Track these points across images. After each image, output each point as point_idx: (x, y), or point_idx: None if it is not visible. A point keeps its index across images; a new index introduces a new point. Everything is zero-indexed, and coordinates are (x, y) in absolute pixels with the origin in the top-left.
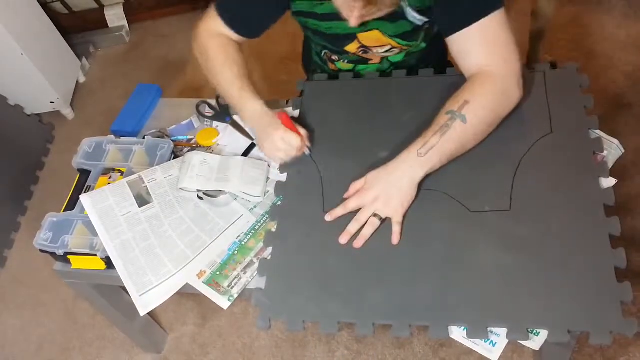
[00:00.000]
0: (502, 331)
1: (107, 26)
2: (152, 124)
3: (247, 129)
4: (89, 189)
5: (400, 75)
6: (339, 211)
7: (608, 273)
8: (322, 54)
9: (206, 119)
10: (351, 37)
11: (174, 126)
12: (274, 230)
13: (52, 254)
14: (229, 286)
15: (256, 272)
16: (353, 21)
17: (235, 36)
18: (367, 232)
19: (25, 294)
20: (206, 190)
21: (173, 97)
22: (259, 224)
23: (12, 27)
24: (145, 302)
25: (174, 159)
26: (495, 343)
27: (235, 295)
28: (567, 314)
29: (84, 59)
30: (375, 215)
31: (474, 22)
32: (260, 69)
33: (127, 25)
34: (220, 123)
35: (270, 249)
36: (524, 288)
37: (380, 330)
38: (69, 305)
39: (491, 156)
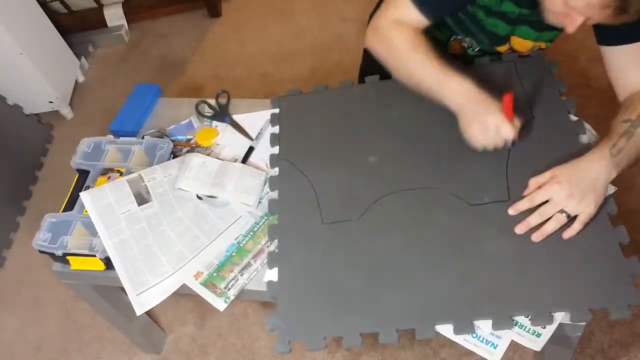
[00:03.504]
0: (504, 333)
1: (106, 25)
2: (151, 123)
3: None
4: (87, 189)
5: (373, 81)
6: (525, 204)
7: (614, 249)
8: (451, 40)
9: (206, 119)
10: (506, 39)
11: (173, 126)
12: (276, 250)
13: (51, 255)
14: (225, 288)
15: (254, 274)
16: (572, 29)
17: (422, 22)
18: (551, 227)
19: (24, 294)
20: (201, 194)
21: (172, 97)
22: (258, 226)
23: (11, 27)
24: (142, 302)
25: (173, 158)
26: (497, 345)
27: (232, 297)
28: (584, 294)
29: (83, 59)
30: (562, 211)
31: (636, 41)
32: (258, 67)
33: (126, 24)
34: (219, 123)
35: (275, 242)
36: (537, 274)
37: None
38: (68, 306)
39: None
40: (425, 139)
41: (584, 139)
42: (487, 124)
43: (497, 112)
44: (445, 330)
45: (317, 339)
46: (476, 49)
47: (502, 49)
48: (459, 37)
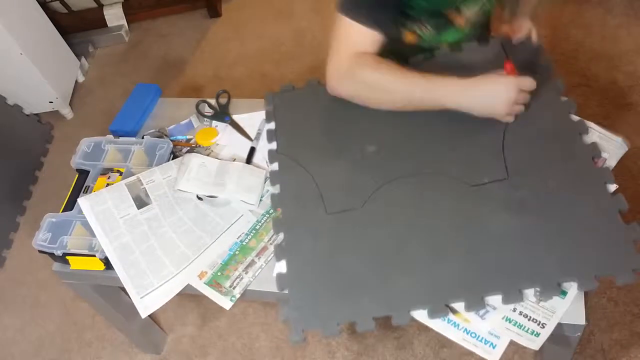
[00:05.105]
0: (504, 333)
1: (106, 25)
2: (151, 123)
3: (246, 132)
4: (87, 189)
5: None
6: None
7: (614, 217)
8: (402, 32)
9: (206, 119)
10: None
11: (173, 126)
12: (282, 243)
13: (51, 255)
14: (230, 286)
15: (258, 271)
16: None
17: (375, 39)
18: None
19: (24, 294)
20: (202, 194)
21: (172, 97)
22: (260, 224)
23: (11, 27)
24: (146, 304)
25: (173, 159)
26: (496, 345)
27: (237, 296)
28: (588, 263)
29: (83, 59)
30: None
31: None
32: (257, 66)
33: (126, 24)
34: (219, 123)
35: (281, 235)
36: (542, 247)
37: (380, 331)
38: (68, 306)
39: (475, 131)
40: (419, 126)
41: (587, 139)
42: (510, 95)
43: (505, 80)
44: (458, 307)
45: (330, 326)
46: (428, 27)
47: (453, 15)
48: (408, 27)
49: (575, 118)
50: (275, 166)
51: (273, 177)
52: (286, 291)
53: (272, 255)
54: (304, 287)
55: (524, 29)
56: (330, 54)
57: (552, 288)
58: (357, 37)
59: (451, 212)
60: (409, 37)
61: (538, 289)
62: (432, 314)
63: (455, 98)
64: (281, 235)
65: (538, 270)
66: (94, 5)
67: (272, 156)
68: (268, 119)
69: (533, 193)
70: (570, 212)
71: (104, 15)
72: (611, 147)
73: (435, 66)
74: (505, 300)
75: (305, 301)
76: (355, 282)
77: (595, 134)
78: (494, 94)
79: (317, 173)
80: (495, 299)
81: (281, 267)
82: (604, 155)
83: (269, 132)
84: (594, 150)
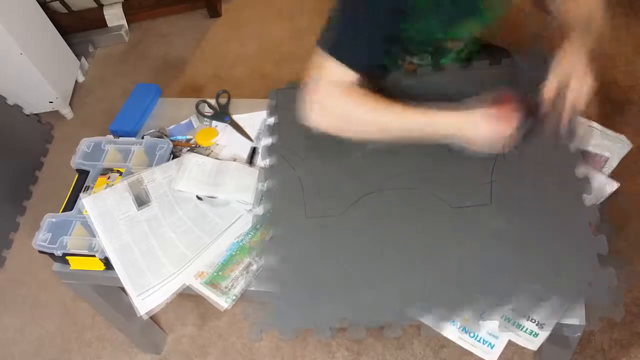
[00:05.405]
0: (502, 333)
1: (106, 25)
2: (151, 123)
3: (246, 132)
4: (87, 189)
5: None
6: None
7: (593, 259)
8: (400, 60)
9: (205, 119)
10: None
11: (173, 126)
12: (265, 238)
13: (51, 255)
14: (228, 286)
15: (257, 272)
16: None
17: (356, 75)
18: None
19: (24, 294)
20: (199, 194)
21: (172, 97)
22: (259, 224)
23: (11, 27)
24: (145, 304)
25: (173, 159)
26: (494, 345)
27: (233, 297)
28: (558, 308)
29: (83, 59)
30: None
31: None
32: (258, 66)
33: (126, 24)
34: (219, 123)
35: (271, 232)
36: (512, 278)
37: (380, 330)
38: (68, 306)
39: (468, 153)
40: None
41: (579, 172)
42: (499, 136)
43: (499, 121)
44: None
45: (289, 329)
46: (427, 58)
47: (454, 44)
48: (407, 59)
49: (573, 149)
50: (268, 162)
51: (264, 173)
52: (271, 255)
53: None
54: (274, 285)
55: (553, 88)
56: (311, 85)
57: (520, 318)
58: (339, 75)
59: (427, 230)
60: (407, 67)
61: (503, 318)
62: (388, 333)
63: (457, 130)
64: (267, 231)
65: (503, 302)
66: (94, 5)
67: (266, 152)
68: (270, 114)
69: (511, 225)
70: (547, 250)
71: (104, 15)
72: (614, 145)
73: (443, 80)
74: (469, 325)
75: (274, 300)
76: (319, 288)
77: (598, 133)
78: (483, 133)
79: (305, 175)
80: (455, 330)
81: (268, 236)
82: (606, 154)
83: (268, 127)
84: (585, 185)
